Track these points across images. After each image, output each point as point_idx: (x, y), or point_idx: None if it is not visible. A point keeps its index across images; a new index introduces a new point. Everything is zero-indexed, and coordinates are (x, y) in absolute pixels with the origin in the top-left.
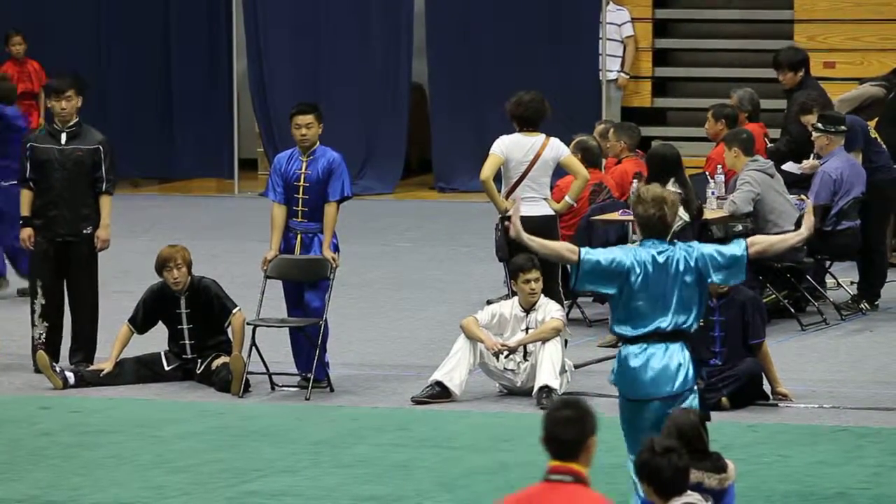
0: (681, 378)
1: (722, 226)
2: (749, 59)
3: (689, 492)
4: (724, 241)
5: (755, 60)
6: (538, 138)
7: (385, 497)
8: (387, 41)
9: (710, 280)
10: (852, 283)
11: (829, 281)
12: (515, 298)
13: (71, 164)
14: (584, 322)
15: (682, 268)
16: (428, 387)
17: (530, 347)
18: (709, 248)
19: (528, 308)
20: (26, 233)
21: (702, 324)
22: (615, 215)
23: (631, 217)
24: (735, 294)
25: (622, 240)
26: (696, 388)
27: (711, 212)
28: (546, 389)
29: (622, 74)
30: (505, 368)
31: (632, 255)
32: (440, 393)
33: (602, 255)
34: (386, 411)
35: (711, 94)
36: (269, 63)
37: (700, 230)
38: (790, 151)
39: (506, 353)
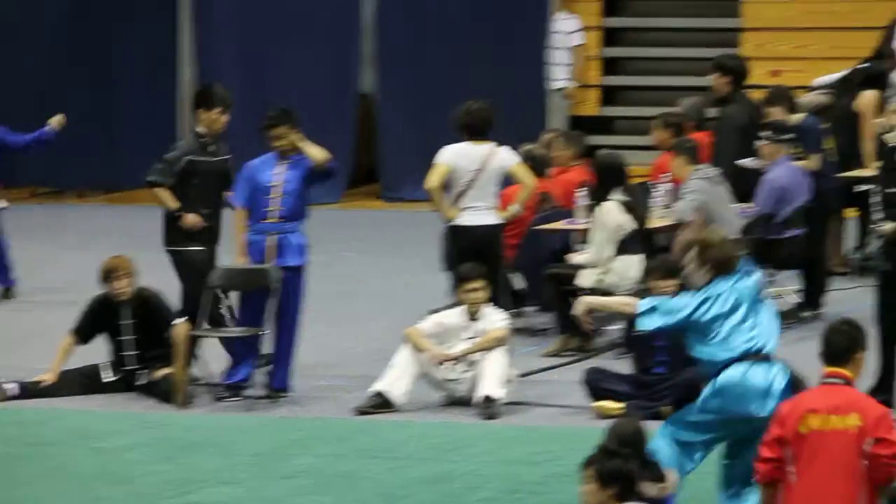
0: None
1: (667, 234)
2: (696, 67)
3: (633, 502)
4: (669, 249)
5: (702, 69)
6: (485, 147)
7: None
8: (335, 51)
9: None
10: (796, 291)
11: (773, 289)
12: (459, 308)
13: None
14: (529, 331)
15: (746, 295)
16: (371, 397)
17: (474, 357)
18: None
19: (472, 317)
20: None
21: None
22: (560, 224)
23: (576, 226)
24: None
25: (567, 249)
26: None
27: (657, 220)
28: (489, 399)
29: (570, 83)
30: (448, 378)
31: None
32: (383, 403)
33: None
34: (329, 422)
35: (658, 103)
36: (215, 73)
37: (645, 239)
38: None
39: (449, 362)
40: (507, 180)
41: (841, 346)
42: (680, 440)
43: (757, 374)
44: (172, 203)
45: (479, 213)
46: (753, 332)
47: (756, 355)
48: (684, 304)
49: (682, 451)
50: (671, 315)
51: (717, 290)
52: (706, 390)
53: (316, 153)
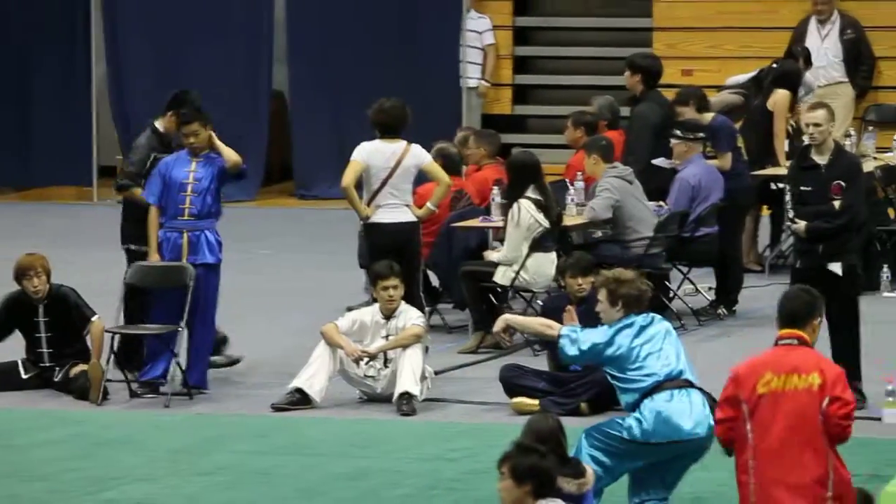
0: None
1: (581, 232)
2: (608, 66)
3: (550, 498)
4: (583, 247)
5: (614, 68)
6: (399, 145)
7: None
8: (247, 48)
9: None
10: (710, 288)
11: (687, 287)
12: (376, 305)
13: None
14: (445, 328)
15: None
16: (288, 394)
17: (391, 354)
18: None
19: (389, 315)
20: None
21: None
22: (475, 222)
23: (491, 224)
24: (593, 302)
25: (482, 246)
26: None
27: (571, 218)
28: (406, 396)
29: (483, 82)
30: (365, 375)
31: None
32: (300, 400)
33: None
34: (246, 418)
35: (571, 102)
36: (128, 69)
37: (560, 237)
38: (639, 171)
39: (366, 359)
40: (421, 178)
41: (799, 309)
42: (601, 463)
43: (682, 399)
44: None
45: (395, 211)
46: (671, 358)
47: (677, 381)
48: (600, 339)
49: (603, 471)
50: (590, 348)
51: (631, 320)
52: (630, 420)
53: (230, 154)
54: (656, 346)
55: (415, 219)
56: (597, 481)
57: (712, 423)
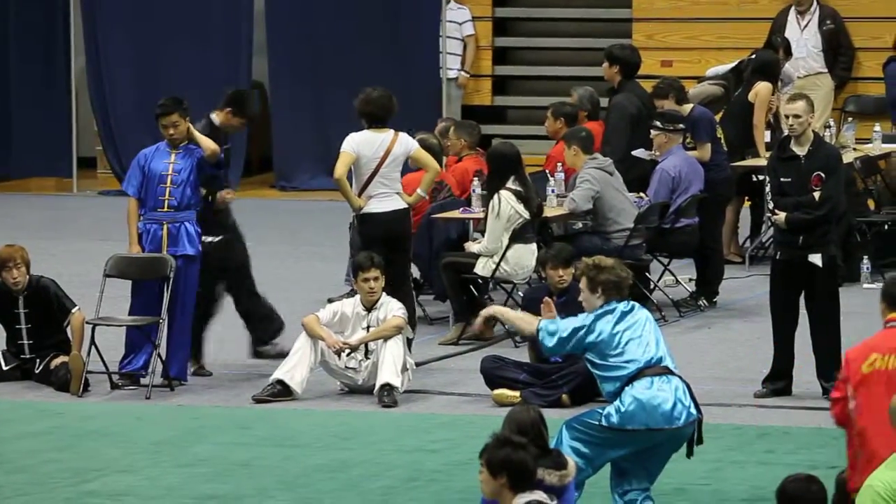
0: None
1: (562, 223)
2: (588, 57)
3: (529, 490)
4: (564, 238)
5: (594, 59)
6: (387, 134)
7: (226, 496)
8: (226, 39)
9: None
10: (690, 280)
11: (668, 278)
12: (357, 297)
13: None
14: (426, 320)
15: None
16: (269, 385)
17: (372, 345)
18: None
19: (370, 306)
20: None
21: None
22: (456, 213)
23: (471, 215)
24: (574, 293)
25: (463, 238)
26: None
27: (551, 209)
28: (387, 387)
29: (462, 73)
30: (346, 367)
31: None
32: (281, 391)
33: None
34: (227, 410)
35: (551, 93)
36: (108, 61)
37: (540, 228)
38: (619, 163)
39: (347, 351)
40: (404, 168)
41: None
42: (582, 454)
43: (662, 386)
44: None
45: (387, 200)
46: (651, 345)
47: (657, 367)
48: (581, 325)
49: (584, 462)
50: (569, 335)
51: (612, 307)
52: (610, 408)
53: (207, 144)
54: (637, 332)
55: (406, 206)
56: (578, 472)
57: (693, 411)
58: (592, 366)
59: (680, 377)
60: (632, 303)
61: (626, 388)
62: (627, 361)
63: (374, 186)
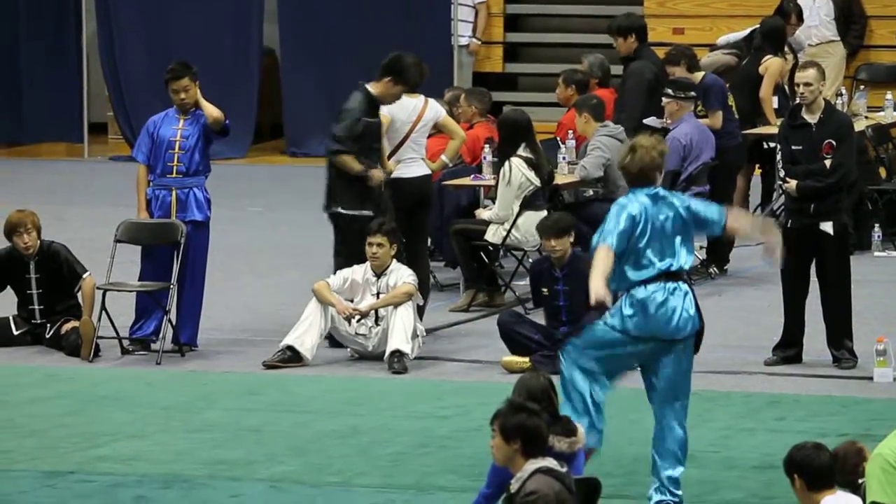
0: (691, 323)
1: (572, 191)
2: (599, 24)
3: (541, 456)
4: (574, 205)
5: (605, 26)
6: (419, 100)
7: (236, 461)
8: (237, 5)
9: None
10: (701, 248)
11: None
12: (367, 263)
13: None
14: (436, 287)
15: (674, 213)
16: (279, 351)
17: (382, 312)
18: (695, 204)
19: (379, 272)
20: None
21: (546, 293)
22: (466, 180)
23: (482, 182)
24: (578, 263)
25: (474, 205)
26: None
27: (562, 177)
28: (397, 354)
29: (474, 40)
30: (356, 333)
31: (635, 207)
32: (291, 357)
33: (620, 228)
34: (237, 376)
35: (562, 60)
36: (119, 26)
37: (551, 195)
38: (631, 129)
39: (357, 317)
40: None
41: None
42: (583, 367)
43: (675, 296)
44: (356, 166)
45: (414, 165)
46: (669, 250)
47: (670, 274)
48: (615, 221)
49: (590, 382)
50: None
51: (634, 198)
52: (622, 306)
53: (210, 110)
54: (654, 232)
55: (430, 172)
56: (593, 391)
57: (696, 322)
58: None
59: (688, 282)
60: (657, 190)
61: (641, 289)
62: (643, 264)
63: (404, 151)
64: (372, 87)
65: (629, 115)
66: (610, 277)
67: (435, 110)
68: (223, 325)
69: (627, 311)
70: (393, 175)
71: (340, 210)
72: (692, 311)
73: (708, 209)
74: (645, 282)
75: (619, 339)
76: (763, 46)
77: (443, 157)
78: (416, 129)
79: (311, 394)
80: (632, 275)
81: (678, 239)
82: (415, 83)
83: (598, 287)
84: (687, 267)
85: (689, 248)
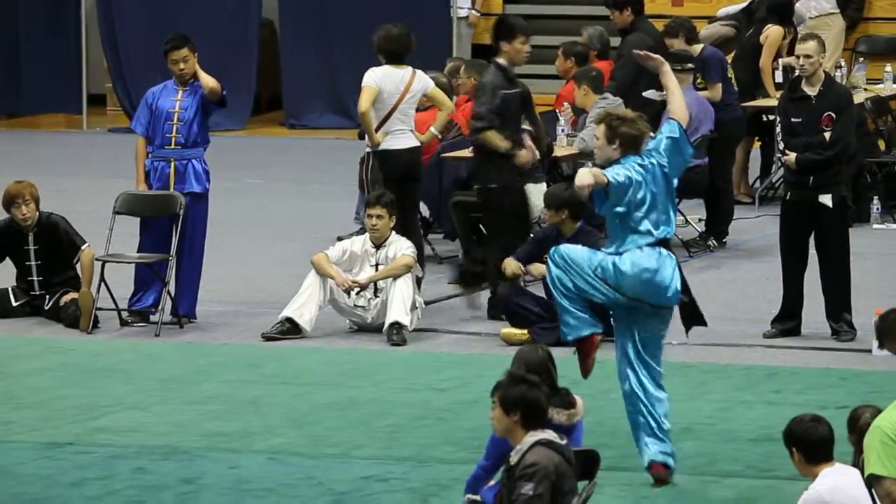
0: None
1: (571, 163)
2: None
3: (541, 429)
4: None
5: None
6: (406, 71)
7: (234, 433)
8: None
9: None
10: (700, 220)
11: (678, 218)
12: (366, 235)
13: None
14: (436, 259)
15: (660, 175)
16: (278, 323)
17: (381, 284)
18: (664, 144)
19: (378, 244)
20: None
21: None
22: (465, 152)
23: None
24: (582, 236)
25: (473, 177)
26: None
27: (562, 149)
28: (396, 326)
29: (473, 12)
30: (355, 305)
31: (632, 171)
32: (290, 329)
33: (622, 174)
34: (236, 348)
35: (562, 32)
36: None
37: (550, 167)
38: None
39: (356, 289)
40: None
41: None
42: (565, 286)
43: (666, 264)
44: (503, 143)
45: (403, 137)
46: (662, 217)
47: (663, 242)
48: (621, 178)
49: (564, 291)
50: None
51: (631, 162)
52: (617, 261)
53: (206, 81)
54: (648, 199)
55: (419, 144)
56: (570, 300)
57: (676, 289)
58: (617, 217)
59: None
60: (645, 157)
61: (636, 253)
62: (640, 231)
63: (392, 122)
64: (501, 59)
65: (616, 86)
66: (608, 245)
67: (423, 82)
68: (222, 297)
69: (624, 266)
70: (381, 147)
71: (491, 186)
72: (678, 282)
73: (666, 137)
74: (642, 247)
75: (604, 288)
76: (768, 18)
77: (432, 129)
78: (404, 101)
79: (309, 366)
80: (631, 242)
81: (669, 205)
82: (401, 54)
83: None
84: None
85: (675, 211)
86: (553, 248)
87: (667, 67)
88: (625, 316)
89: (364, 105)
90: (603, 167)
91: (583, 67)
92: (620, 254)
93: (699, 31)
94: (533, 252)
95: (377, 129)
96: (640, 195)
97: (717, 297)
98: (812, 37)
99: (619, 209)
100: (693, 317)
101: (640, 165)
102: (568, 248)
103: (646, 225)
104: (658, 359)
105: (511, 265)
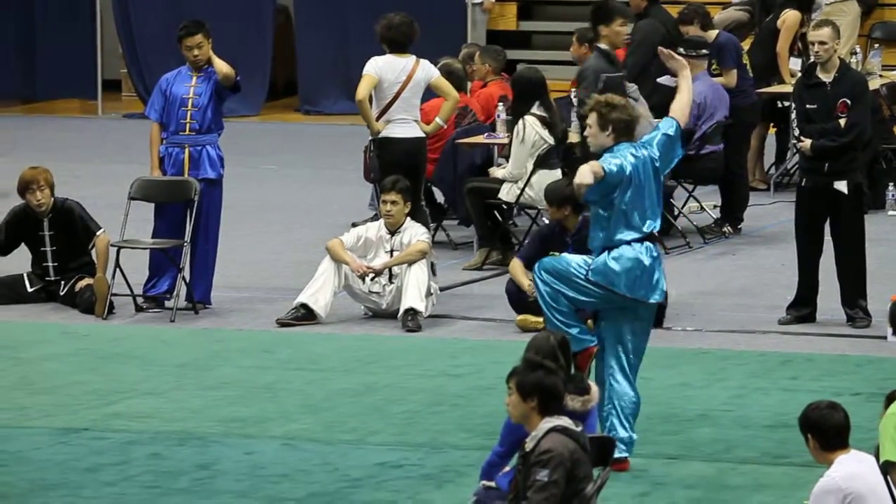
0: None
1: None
2: None
3: (557, 415)
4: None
5: None
6: (409, 60)
7: (250, 419)
8: None
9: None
10: (715, 206)
11: (693, 204)
12: (381, 221)
13: None
14: (450, 245)
15: (651, 168)
16: (293, 309)
17: (396, 270)
18: (658, 139)
19: (393, 230)
20: None
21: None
22: (480, 138)
23: (496, 140)
24: (586, 230)
25: (487, 163)
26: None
27: (576, 135)
28: (411, 312)
29: None
30: (370, 291)
31: (624, 160)
32: (305, 315)
33: (614, 163)
34: (251, 334)
35: (577, 18)
36: None
37: (565, 153)
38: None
39: (371, 275)
40: (426, 95)
41: None
42: (555, 292)
43: (655, 260)
44: None
45: (405, 126)
46: (648, 212)
47: (650, 237)
48: (614, 167)
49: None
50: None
51: (624, 151)
52: (608, 261)
53: (220, 66)
54: (638, 191)
55: (423, 134)
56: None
57: (664, 287)
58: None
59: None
60: (638, 147)
61: (623, 248)
62: (628, 225)
63: (393, 111)
64: (602, 44)
65: (629, 69)
66: (593, 238)
67: (427, 71)
68: (237, 283)
69: (614, 266)
70: (381, 134)
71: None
72: (664, 279)
73: (660, 137)
74: (630, 242)
75: (598, 292)
76: (786, 3)
77: (437, 120)
78: (406, 90)
79: (324, 352)
80: (619, 235)
81: (656, 199)
82: (403, 43)
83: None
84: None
85: (660, 206)
86: (537, 265)
87: (687, 72)
88: (614, 319)
89: (361, 93)
90: (598, 156)
91: None
92: (609, 250)
93: (714, 15)
94: (537, 250)
95: (378, 118)
96: (628, 186)
97: (733, 284)
98: (827, 23)
99: (607, 199)
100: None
101: (633, 156)
102: (553, 261)
103: (633, 218)
104: (640, 360)
105: (525, 282)
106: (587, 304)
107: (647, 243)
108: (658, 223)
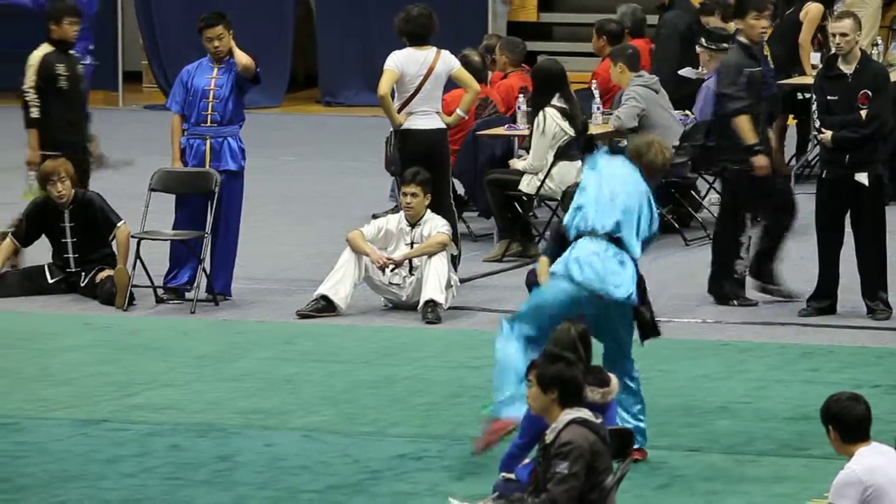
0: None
1: (606, 141)
2: None
3: (577, 407)
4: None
5: None
6: (430, 52)
7: (270, 410)
8: None
9: None
10: None
11: (713, 196)
12: (401, 213)
13: None
14: (470, 237)
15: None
16: (313, 301)
17: (416, 262)
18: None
19: (413, 222)
20: None
21: None
22: (501, 130)
23: (516, 132)
24: None
25: (508, 155)
26: None
27: (596, 126)
28: (431, 304)
29: None
30: (390, 282)
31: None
32: (325, 307)
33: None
34: (271, 325)
35: (597, 10)
36: None
37: (585, 144)
38: (669, 79)
39: (391, 267)
40: (447, 86)
41: None
42: (527, 335)
43: (613, 255)
44: (751, 136)
45: (427, 118)
46: (614, 212)
47: (615, 240)
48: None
49: (526, 349)
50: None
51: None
52: (570, 254)
53: (240, 57)
54: (605, 193)
55: (444, 126)
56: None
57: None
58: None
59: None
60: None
61: (580, 245)
62: (595, 220)
63: (415, 104)
64: (741, 37)
65: (667, 65)
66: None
67: (447, 63)
68: (257, 275)
69: (576, 252)
70: (403, 126)
71: (729, 165)
72: (632, 283)
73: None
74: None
75: (570, 288)
76: None
77: (458, 111)
78: (427, 82)
79: (344, 343)
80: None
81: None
82: (423, 35)
83: None
84: None
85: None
86: (507, 321)
87: None
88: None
89: (383, 89)
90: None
91: (619, 45)
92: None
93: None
94: (557, 248)
95: (400, 111)
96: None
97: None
98: (848, 14)
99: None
100: (652, 328)
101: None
102: (523, 304)
103: (600, 221)
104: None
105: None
106: (571, 310)
107: (610, 243)
108: (631, 235)
